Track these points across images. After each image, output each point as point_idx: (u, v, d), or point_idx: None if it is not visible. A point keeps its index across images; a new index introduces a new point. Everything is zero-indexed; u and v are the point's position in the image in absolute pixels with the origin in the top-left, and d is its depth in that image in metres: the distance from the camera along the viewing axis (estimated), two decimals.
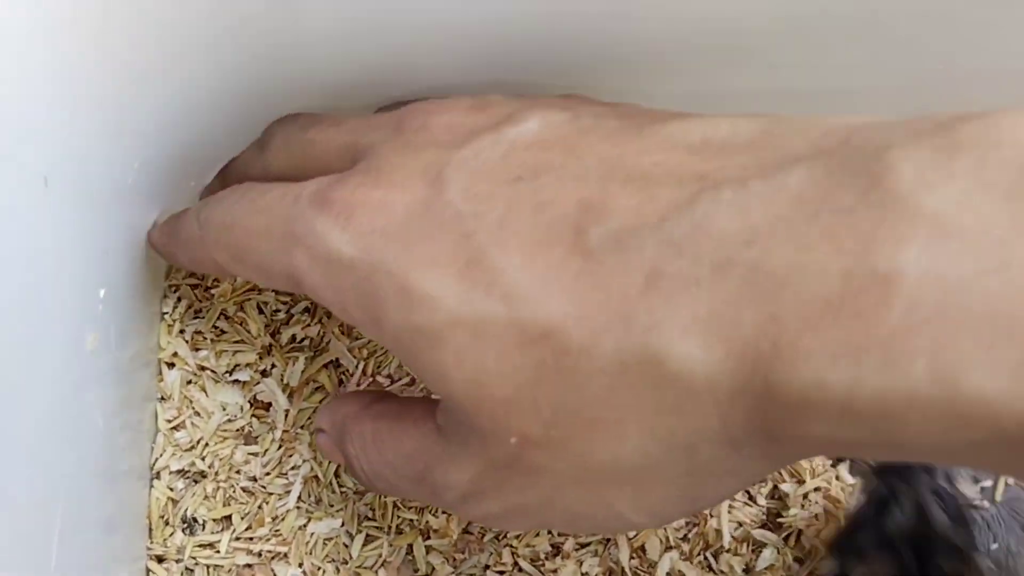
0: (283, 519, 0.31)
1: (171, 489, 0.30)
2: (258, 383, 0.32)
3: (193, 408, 0.31)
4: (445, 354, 0.18)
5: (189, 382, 0.31)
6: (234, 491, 0.31)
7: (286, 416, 0.31)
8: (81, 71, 0.22)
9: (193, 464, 0.31)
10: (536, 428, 0.18)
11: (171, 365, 0.31)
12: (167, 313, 0.31)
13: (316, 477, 0.31)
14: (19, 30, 0.19)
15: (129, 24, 0.22)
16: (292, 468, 0.31)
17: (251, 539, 0.31)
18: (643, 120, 0.20)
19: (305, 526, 0.31)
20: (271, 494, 0.31)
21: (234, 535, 0.30)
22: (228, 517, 0.31)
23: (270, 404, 0.32)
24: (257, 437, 0.31)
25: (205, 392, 0.31)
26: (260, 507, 0.31)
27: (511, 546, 0.31)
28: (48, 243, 0.21)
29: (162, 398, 0.31)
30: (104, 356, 0.25)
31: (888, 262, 0.14)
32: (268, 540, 0.30)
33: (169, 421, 0.31)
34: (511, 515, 0.21)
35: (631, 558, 0.31)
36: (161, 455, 0.30)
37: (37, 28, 0.19)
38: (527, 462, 0.19)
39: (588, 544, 0.32)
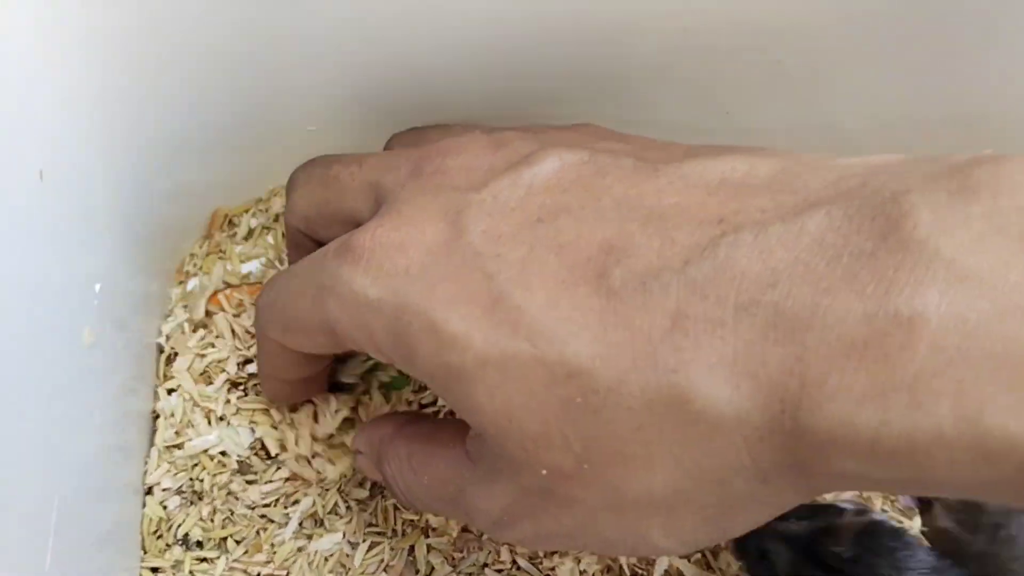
0: (282, 544, 0.31)
1: (164, 507, 0.30)
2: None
3: (194, 428, 0.31)
4: (476, 391, 0.19)
5: (195, 405, 0.32)
6: (231, 516, 0.31)
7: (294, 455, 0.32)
8: (76, 66, 0.22)
9: (191, 484, 0.31)
10: (567, 461, 0.18)
11: (174, 389, 0.32)
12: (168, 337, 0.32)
13: (315, 513, 0.31)
14: (14, 26, 0.18)
15: (124, 19, 0.22)
16: (294, 502, 0.31)
17: (249, 563, 0.30)
18: (659, 158, 0.20)
19: (305, 547, 0.31)
20: (271, 521, 0.31)
21: (231, 560, 0.30)
22: (225, 539, 0.31)
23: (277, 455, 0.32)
24: (257, 472, 0.31)
25: (208, 421, 0.31)
26: (258, 533, 0.31)
27: (509, 544, 0.31)
28: (42, 237, 0.21)
29: (162, 413, 0.31)
30: (101, 351, 0.25)
31: (910, 305, 0.15)
32: (267, 564, 0.30)
33: (167, 440, 0.31)
34: (545, 539, 0.21)
35: (628, 556, 0.31)
36: (155, 470, 0.30)
37: (32, 24, 0.19)
38: (560, 493, 0.19)
39: None
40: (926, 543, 0.28)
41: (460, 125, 0.27)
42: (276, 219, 0.35)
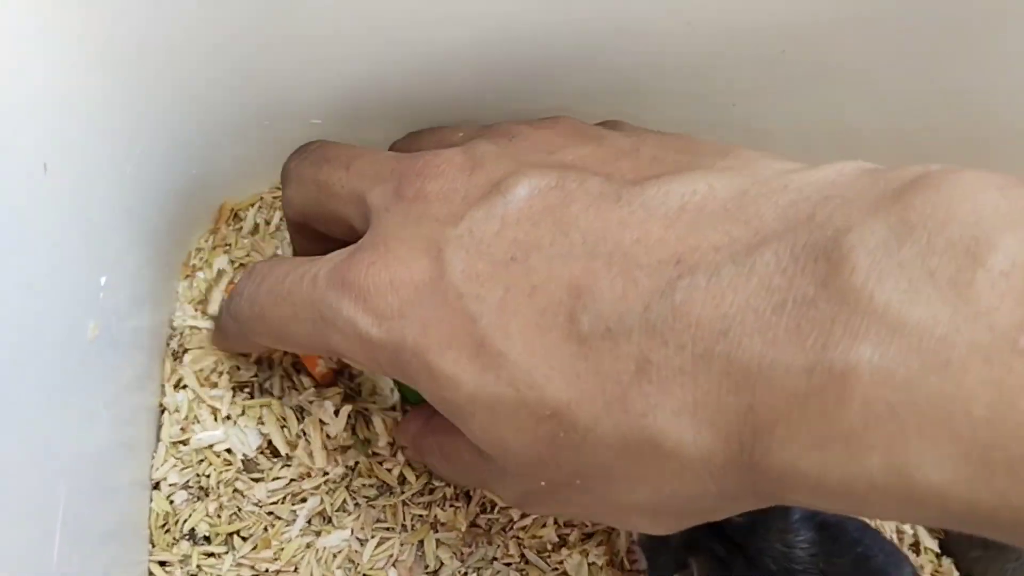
0: (290, 541, 0.31)
1: (171, 502, 0.30)
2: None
3: (200, 424, 0.31)
4: (472, 424, 0.21)
5: (200, 402, 0.32)
6: (238, 512, 0.31)
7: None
8: (80, 58, 0.21)
9: (197, 480, 0.31)
10: (561, 477, 0.21)
11: (181, 386, 0.31)
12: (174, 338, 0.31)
13: (323, 511, 0.31)
14: (18, 18, 0.18)
15: (130, 12, 0.21)
16: (301, 500, 0.31)
17: (257, 559, 0.30)
18: (625, 175, 0.21)
19: (312, 543, 0.31)
20: (278, 518, 0.31)
21: (238, 556, 0.30)
22: (232, 535, 0.30)
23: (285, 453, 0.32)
24: (263, 470, 0.31)
25: (215, 417, 0.31)
26: (265, 529, 0.31)
27: (518, 538, 0.31)
28: (47, 229, 0.21)
29: (169, 407, 0.31)
30: (106, 345, 0.25)
31: (844, 360, 0.16)
32: (275, 561, 0.30)
33: (173, 436, 0.31)
34: (555, 510, 0.25)
35: (629, 551, 0.31)
36: (162, 465, 0.30)
37: (36, 17, 0.19)
38: (559, 494, 0.22)
39: (592, 535, 0.32)
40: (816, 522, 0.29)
41: (450, 128, 0.28)
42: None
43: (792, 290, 0.17)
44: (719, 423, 0.17)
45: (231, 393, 0.32)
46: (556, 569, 0.31)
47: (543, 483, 0.21)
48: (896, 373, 0.15)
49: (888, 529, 0.33)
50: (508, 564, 0.31)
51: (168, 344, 0.32)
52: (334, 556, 0.30)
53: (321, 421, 0.32)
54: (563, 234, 0.20)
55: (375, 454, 0.32)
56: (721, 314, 0.17)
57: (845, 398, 0.16)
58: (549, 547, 0.31)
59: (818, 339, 0.16)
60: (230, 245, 0.34)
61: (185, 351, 0.32)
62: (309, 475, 0.31)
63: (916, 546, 0.33)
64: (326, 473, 0.31)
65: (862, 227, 0.17)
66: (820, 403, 0.16)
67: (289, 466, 0.31)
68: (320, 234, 0.28)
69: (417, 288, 0.21)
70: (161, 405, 0.31)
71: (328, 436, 0.32)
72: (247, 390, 0.32)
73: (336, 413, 0.32)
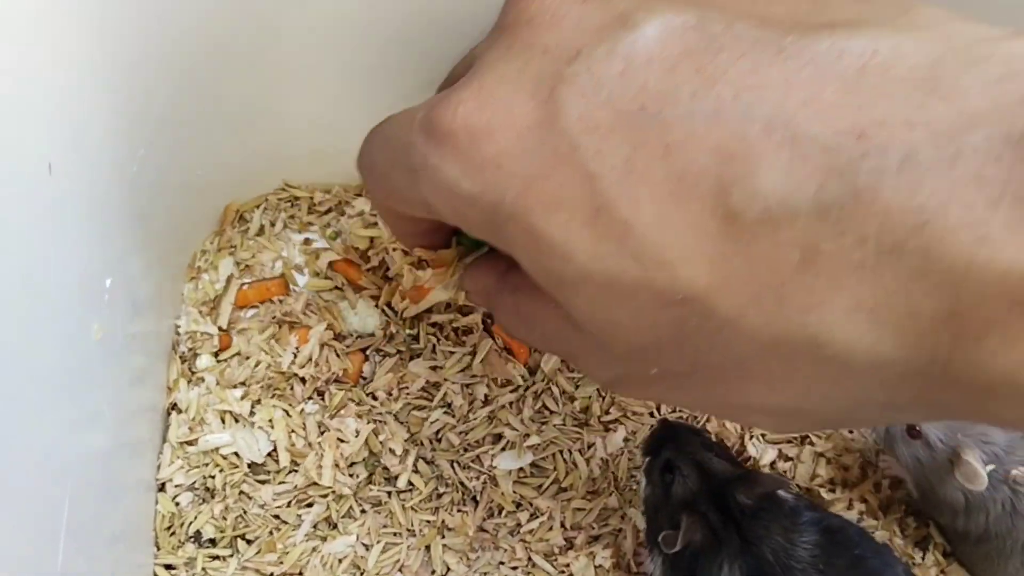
0: (295, 546, 0.30)
1: (176, 503, 0.30)
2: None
3: (208, 426, 0.31)
4: (579, 301, 0.18)
5: (210, 405, 0.31)
6: (244, 515, 0.31)
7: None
8: (85, 61, 0.21)
9: (203, 482, 0.31)
10: (681, 367, 0.18)
11: (197, 382, 0.31)
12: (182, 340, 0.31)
13: (329, 517, 0.31)
14: (24, 21, 0.18)
15: (135, 14, 0.21)
16: (307, 505, 0.31)
17: (261, 563, 0.30)
18: (783, 20, 0.17)
19: (318, 548, 0.30)
20: (284, 522, 0.31)
21: (243, 559, 0.30)
22: (236, 539, 0.30)
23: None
24: (270, 472, 0.31)
25: (222, 421, 0.31)
26: (271, 533, 0.31)
27: (525, 541, 0.31)
28: (52, 230, 0.21)
29: (175, 408, 0.31)
30: (112, 347, 0.24)
31: None
32: (279, 564, 0.30)
33: (180, 437, 0.31)
34: (656, 396, 0.22)
35: (636, 553, 0.31)
36: (169, 465, 0.30)
37: (42, 19, 0.19)
38: (670, 379, 0.19)
39: (599, 537, 0.31)
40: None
41: None
42: (292, 217, 0.35)
43: (1011, 184, 0.14)
44: (907, 328, 0.15)
45: (241, 397, 0.32)
46: (563, 572, 0.31)
47: (655, 370, 0.18)
48: None
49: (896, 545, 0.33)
50: (515, 568, 0.31)
51: (176, 348, 0.32)
52: (339, 561, 0.30)
53: (340, 440, 0.32)
54: (707, 85, 0.16)
55: (385, 468, 0.32)
56: (917, 204, 0.14)
57: None
58: (556, 550, 0.31)
59: None
60: (235, 247, 0.34)
61: (196, 355, 0.32)
62: (316, 484, 0.31)
63: (924, 541, 0.33)
64: (335, 491, 0.31)
65: None
66: None
67: (296, 472, 0.31)
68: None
69: (520, 135, 0.18)
70: (167, 406, 0.31)
71: (342, 455, 0.31)
72: (269, 392, 0.32)
73: (356, 433, 0.32)
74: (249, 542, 0.30)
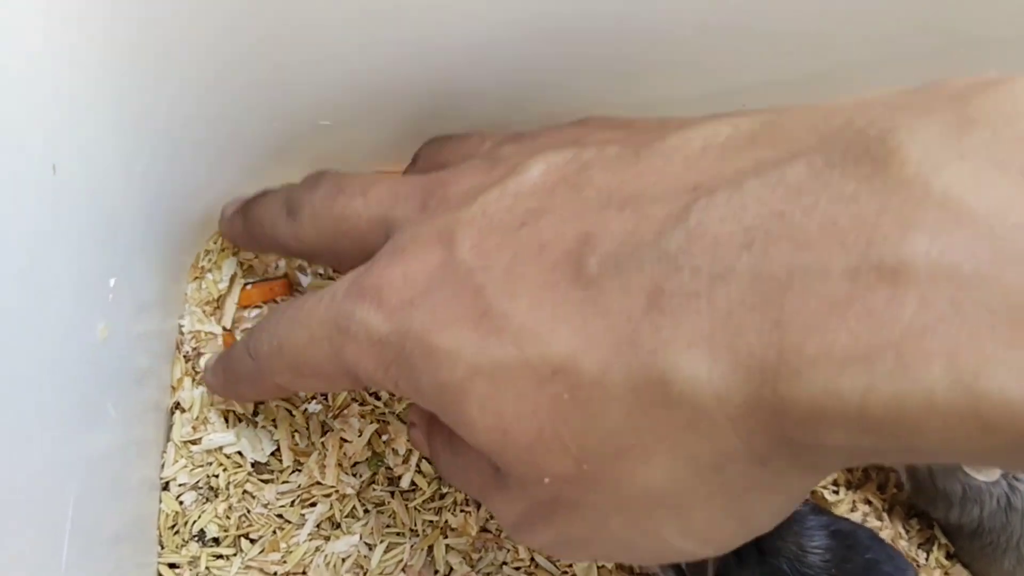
0: (298, 546, 0.30)
1: (180, 503, 0.30)
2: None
3: (211, 425, 0.31)
4: (469, 406, 0.19)
5: (213, 404, 0.31)
6: (248, 514, 0.31)
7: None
8: (89, 60, 0.21)
9: (207, 481, 0.31)
10: (567, 466, 0.18)
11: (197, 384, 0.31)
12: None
13: (332, 516, 0.31)
14: (30, 22, 0.18)
15: (137, 15, 0.21)
16: (310, 505, 0.31)
17: (265, 562, 0.30)
18: (646, 139, 0.19)
19: (322, 547, 0.31)
20: (288, 522, 0.31)
21: (247, 558, 0.30)
22: (240, 538, 0.30)
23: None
24: (273, 471, 0.31)
25: (226, 421, 0.31)
26: (274, 532, 0.31)
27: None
28: (56, 231, 0.21)
29: (179, 407, 0.31)
30: (116, 347, 0.24)
31: (896, 254, 0.13)
32: (283, 564, 0.30)
33: (183, 436, 0.31)
34: (564, 545, 0.21)
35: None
36: (172, 464, 0.30)
37: (45, 19, 0.19)
38: (566, 498, 0.19)
39: None
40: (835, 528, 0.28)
41: (476, 134, 0.27)
42: None
43: (827, 190, 0.14)
44: (739, 347, 0.15)
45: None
46: (566, 572, 0.31)
47: (546, 480, 0.18)
48: (961, 266, 0.13)
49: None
50: (518, 568, 0.31)
51: (179, 348, 0.32)
52: (343, 560, 0.30)
53: (343, 439, 0.32)
54: (576, 195, 0.19)
55: (388, 468, 0.32)
56: (743, 228, 0.15)
57: (897, 299, 0.13)
58: None
59: (861, 235, 0.13)
60: (238, 247, 0.34)
61: (199, 354, 0.32)
62: (319, 483, 0.31)
63: (928, 543, 0.33)
64: (339, 490, 0.31)
65: (912, 125, 0.14)
66: (865, 307, 0.13)
67: (300, 471, 0.31)
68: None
69: (429, 275, 0.20)
70: (172, 406, 0.31)
71: (345, 455, 0.31)
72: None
73: (360, 433, 0.32)
74: (253, 541, 0.30)
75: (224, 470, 0.31)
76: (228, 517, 0.30)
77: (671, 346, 0.15)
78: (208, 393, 0.31)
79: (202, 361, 0.32)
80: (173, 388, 0.31)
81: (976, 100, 0.14)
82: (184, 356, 0.32)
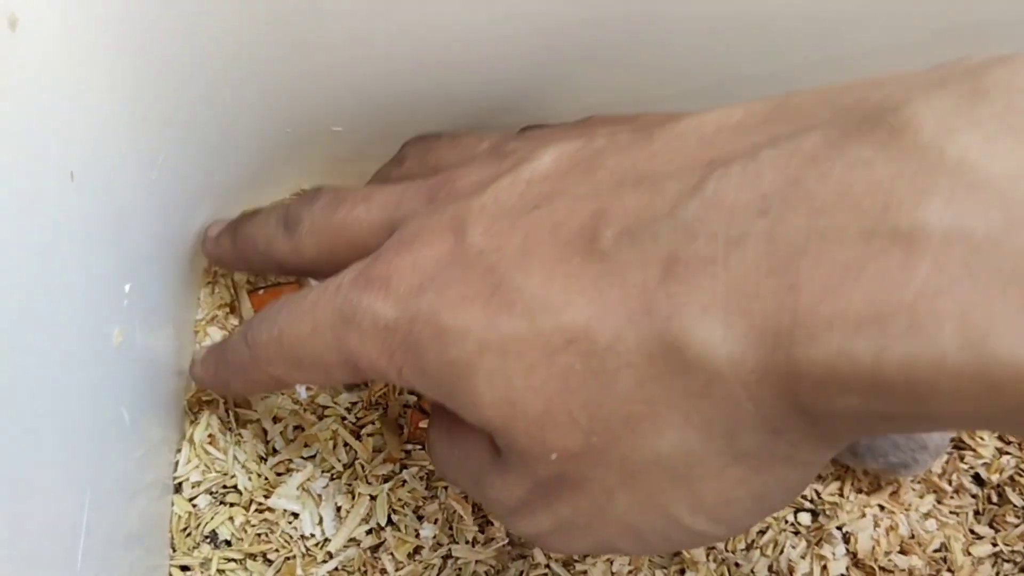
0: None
1: (193, 504, 0.30)
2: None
3: (230, 431, 0.31)
4: (477, 381, 0.18)
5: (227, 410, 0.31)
6: (268, 531, 0.30)
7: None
8: (106, 68, 0.22)
9: (223, 486, 0.31)
10: (575, 439, 0.18)
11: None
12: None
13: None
14: (47, 29, 0.19)
15: (154, 21, 0.22)
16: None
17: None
18: (656, 125, 0.19)
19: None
20: (311, 544, 0.30)
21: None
22: (254, 555, 0.30)
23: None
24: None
25: (241, 429, 0.31)
26: (292, 558, 0.30)
27: (534, 544, 0.31)
28: (73, 237, 0.21)
29: (191, 410, 0.31)
30: (130, 352, 0.25)
31: (910, 219, 0.13)
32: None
33: (202, 440, 0.31)
34: (564, 534, 0.20)
35: (664, 549, 0.31)
36: (186, 464, 0.30)
37: (61, 25, 0.19)
38: (572, 475, 0.18)
39: None
40: None
41: (470, 134, 0.27)
42: None
43: (843, 157, 0.15)
44: (754, 311, 0.15)
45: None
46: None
47: (553, 456, 0.18)
48: (975, 231, 0.13)
49: None
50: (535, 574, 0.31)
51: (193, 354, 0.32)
52: None
53: (371, 496, 0.31)
54: (589, 177, 0.19)
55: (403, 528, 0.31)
56: (759, 195, 0.15)
57: (911, 261, 0.13)
58: (574, 557, 0.31)
59: (876, 200, 0.14)
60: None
61: None
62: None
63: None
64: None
65: (927, 96, 0.14)
66: (879, 270, 0.13)
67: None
68: None
69: (438, 261, 0.20)
70: (185, 407, 0.31)
71: (364, 520, 0.30)
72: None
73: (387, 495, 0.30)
74: (269, 562, 0.30)
75: (243, 479, 0.31)
76: (244, 530, 0.30)
77: (685, 311, 0.16)
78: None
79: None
80: (186, 391, 0.31)
81: (990, 73, 0.14)
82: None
